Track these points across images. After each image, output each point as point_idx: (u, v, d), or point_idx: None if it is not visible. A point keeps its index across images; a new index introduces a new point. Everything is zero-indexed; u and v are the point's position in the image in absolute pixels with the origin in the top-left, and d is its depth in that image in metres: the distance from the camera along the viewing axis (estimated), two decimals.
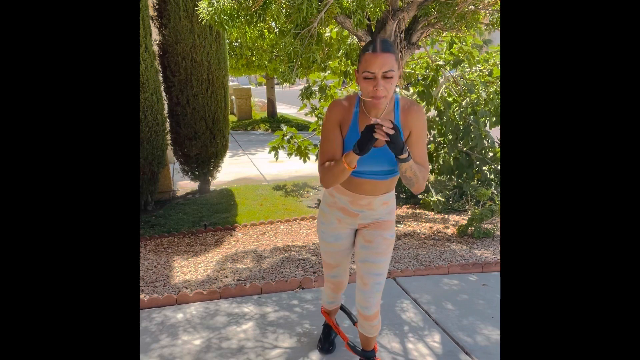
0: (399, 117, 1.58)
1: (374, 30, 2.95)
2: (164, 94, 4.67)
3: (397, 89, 1.68)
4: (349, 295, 2.42)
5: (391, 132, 1.36)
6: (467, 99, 4.37)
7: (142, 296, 2.65)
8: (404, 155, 1.45)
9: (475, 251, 3.35)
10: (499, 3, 2.91)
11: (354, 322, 2.10)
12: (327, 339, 2.14)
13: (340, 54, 4.01)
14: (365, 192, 1.66)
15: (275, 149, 4.89)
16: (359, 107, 1.58)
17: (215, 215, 4.39)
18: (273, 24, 3.12)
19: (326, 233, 1.79)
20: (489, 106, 4.36)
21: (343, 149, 1.59)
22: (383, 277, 1.70)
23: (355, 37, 3.60)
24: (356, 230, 1.80)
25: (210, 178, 5.33)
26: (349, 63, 4.15)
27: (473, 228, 3.63)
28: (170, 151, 5.01)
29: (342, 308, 2.21)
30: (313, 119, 5.42)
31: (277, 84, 7.94)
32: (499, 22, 3.13)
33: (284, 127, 4.86)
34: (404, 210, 4.44)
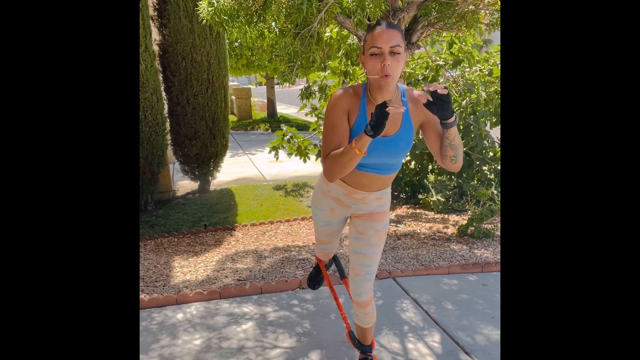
0: (407, 106, 1.53)
1: None
2: (164, 94, 4.67)
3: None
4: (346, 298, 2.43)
5: (445, 91, 1.31)
6: (467, 99, 4.37)
7: (142, 296, 2.65)
8: (453, 118, 1.39)
9: (475, 251, 3.35)
10: (499, 3, 2.91)
11: (342, 277, 2.20)
12: (317, 276, 2.32)
13: (340, 54, 4.01)
14: (362, 187, 1.64)
15: (275, 148, 4.89)
16: (366, 96, 1.53)
17: (215, 215, 4.39)
18: (273, 24, 3.11)
19: (319, 217, 1.86)
20: (489, 106, 4.36)
21: (350, 139, 1.52)
22: (374, 267, 1.73)
23: (355, 37, 3.59)
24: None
25: (210, 178, 5.33)
26: (349, 63, 4.15)
27: (473, 228, 3.63)
28: (170, 151, 5.01)
29: (334, 258, 2.28)
30: (313, 119, 5.42)
31: (277, 84, 7.94)
32: (499, 22, 3.13)
33: (284, 127, 4.86)
34: (404, 210, 4.44)
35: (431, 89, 1.32)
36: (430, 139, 1.56)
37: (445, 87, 1.32)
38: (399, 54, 1.40)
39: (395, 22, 2.78)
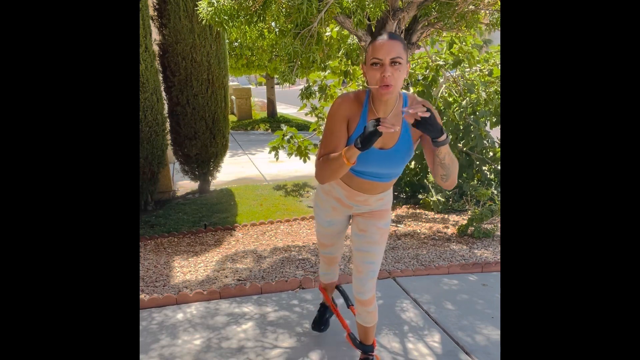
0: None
1: (374, 30, 2.95)
2: (164, 94, 4.67)
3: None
4: (350, 293, 2.42)
5: (427, 114, 1.29)
6: (467, 99, 4.37)
7: (142, 296, 2.65)
8: (443, 137, 1.38)
9: (475, 251, 3.35)
10: (499, 3, 2.91)
11: (349, 305, 2.17)
12: (321, 318, 2.20)
13: (340, 53, 4.01)
14: (363, 191, 1.68)
15: (275, 149, 4.89)
16: (368, 105, 1.54)
17: (215, 215, 4.38)
18: (273, 24, 3.11)
19: (321, 217, 1.85)
20: (489, 106, 4.36)
21: (346, 145, 1.54)
22: (377, 264, 1.74)
23: (355, 37, 3.59)
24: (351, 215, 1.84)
25: (210, 178, 5.33)
26: (349, 63, 4.15)
27: (473, 228, 3.63)
28: (170, 151, 5.00)
29: (339, 289, 2.25)
30: (313, 119, 5.41)
31: (277, 84, 7.92)
32: (499, 22, 3.13)
33: (284, 127, 4.86)
34: (404, 210, 4.43)
35: (411, 111, 1.30)
36: (426, 153, 1.57)
37: (428, 110, 1.30)
38: (400, 64, 1.40)
39: (395, 22, 2.79)
